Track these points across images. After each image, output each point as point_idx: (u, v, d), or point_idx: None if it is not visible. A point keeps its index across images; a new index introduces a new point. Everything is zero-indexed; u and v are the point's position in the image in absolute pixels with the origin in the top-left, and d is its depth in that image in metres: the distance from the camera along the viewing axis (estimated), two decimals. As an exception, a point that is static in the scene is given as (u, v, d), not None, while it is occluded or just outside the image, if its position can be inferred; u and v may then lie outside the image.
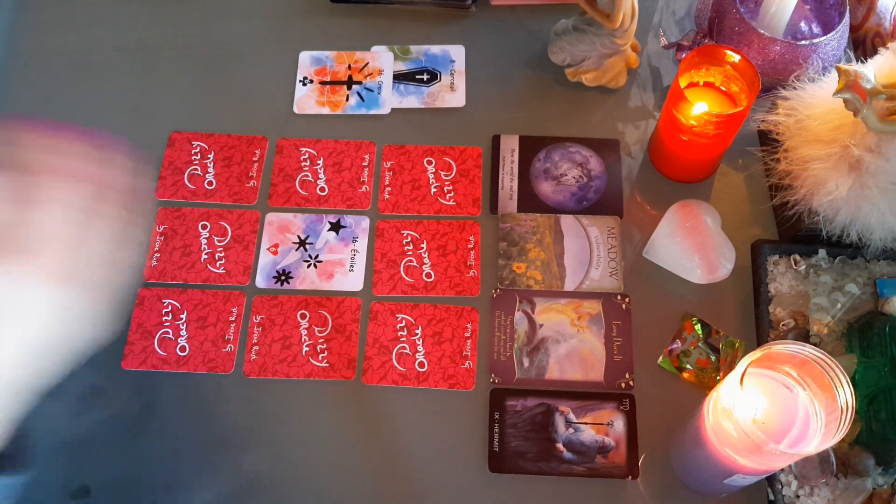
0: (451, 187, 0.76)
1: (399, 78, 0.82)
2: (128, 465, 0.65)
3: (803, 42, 0.72)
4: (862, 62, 0.60)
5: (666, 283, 0.70)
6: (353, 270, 0.72)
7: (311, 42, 0.84)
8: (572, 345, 0.68)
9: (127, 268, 0.49)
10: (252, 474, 0.64)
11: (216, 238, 0.74)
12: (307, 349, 0.69)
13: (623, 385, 0.67)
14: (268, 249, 0.73)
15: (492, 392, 0.67)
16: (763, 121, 0.69)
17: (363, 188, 0.76)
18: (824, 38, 0.72)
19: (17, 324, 0.45)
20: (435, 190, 0.76)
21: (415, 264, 0.72)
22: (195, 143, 0.78)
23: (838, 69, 0.58)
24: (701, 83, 0.71)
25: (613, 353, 0.68)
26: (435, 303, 0.71)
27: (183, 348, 0.69)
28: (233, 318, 0.70)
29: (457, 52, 0.83)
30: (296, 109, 0.80)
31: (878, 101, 0.57)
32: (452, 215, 0.74)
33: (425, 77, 0.82)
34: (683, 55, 0.76)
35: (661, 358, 0.68)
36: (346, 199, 0.75)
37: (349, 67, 0.82)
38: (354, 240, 0.74)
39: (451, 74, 0.82)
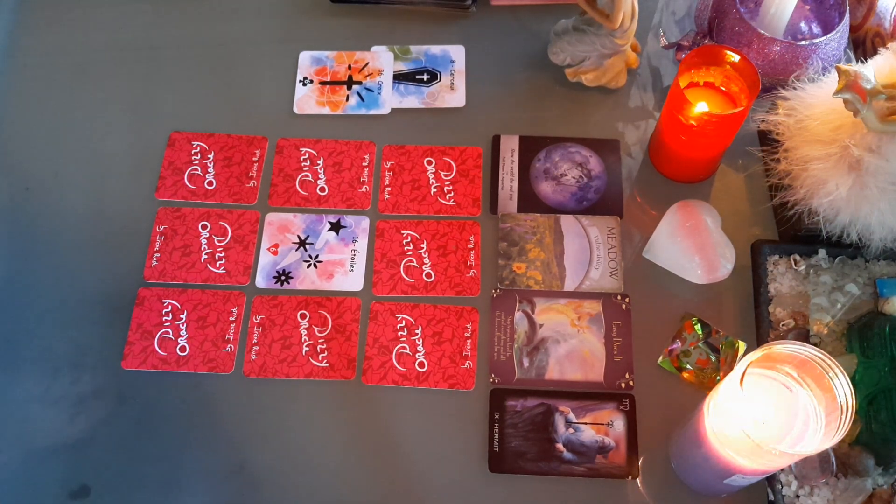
0: (451, 187, 0.76)
1: (399, 78, 0.82)
2: (128, 465, 0.65)
3: (803, 42, 0.72)
4: (862, 62, 0.60)
5: (666, 283, 0.70)
6: (353, 270, 0.72)
7: (311, 42, 0.84)
8: (572, 345, 0.68)
9: None
10: (252, 474, 0.64)
11: (216, 238, 0.74)
12: (307, 349, 0.69)
13: (623, 385, 0.67)
14: (268, 249, 0.73)
15: (492, 392, 0.67)
16: (763, 121, 0.69)
17: (363, 188, 0.76)
18: (824, 38, 0.72)
19: None
20: (435, 190, 0.76)
21: (415, 264, 0.72)
22: (195, 143, 0.78)
23: (838, 69, 0.58)
24: (701, 83, 0.71)
25: (613, 353, 0.68)
26: (435, 303, 0.71)
27: (183, 348, 0.69)
28: (233, 318, 0.70)
29: (457, 52, 0.83)
30: (296, 109, 0.80)
31: (878, 101, 0.57)
32: (452, 215, 0.74)
33: (425, 77, 0.82)
34: (683, 55, 0.77)
35: (661, 358, 0.68)
36: (346, 199, 0.75)
37: (349, 67, 0.82)
38: (354, 240, 0.74)
39: (451, 74, 0.82)
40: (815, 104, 0.65)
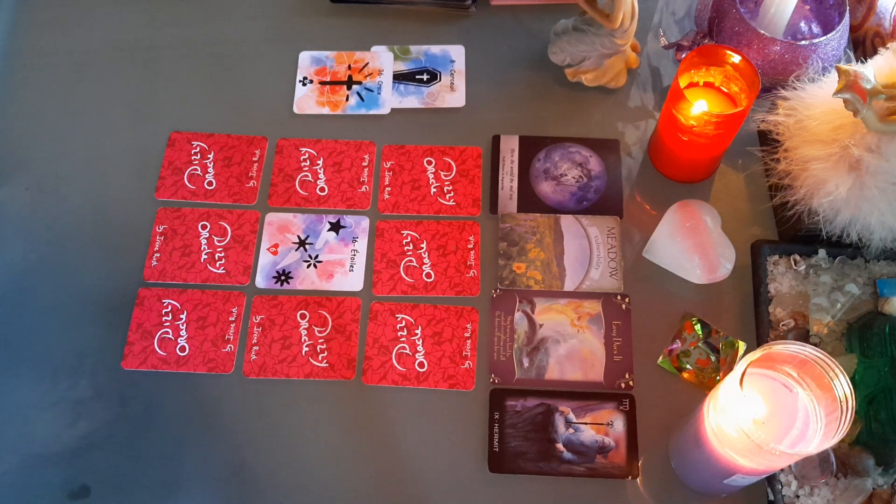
0: (451, 187, 0.76)
1: (399, 78, 0.82)
2: (128, 465, 0.65)
3: (803, 42, 0.72)
4: (862, 62, 0.60)
5: (666, 283, 0.70)
6: (353, 270, 0.72)
7: (311, 42, 0.84)
8: (572, 345, 0.68)
9: None
10: (252, 474, 0.64)
11: (216, 238, 0.74)
12: (307, 349, 0.69)
13: (623, 385, 0.67)
14: (268, 249, 0.73)
15: (492, 392, 0.67)
16: (763, 121, 0.69)
17: (363, 188, 0.76)
18: (824, 38, 0.72)
19: None
20: (435, 190, 0.76)
21: (415, 264, 0.72)
22: (195, 143, 0.78)
23: (838, 69, 0.58)
24: (701, 83, 0.71)
25: (613, 353, 0.68)
26: (435, 303, 0.71)
27: (183, 348, 0.69)
28: (233, 318, 0.70)
29: (457, 52, 0.83)
30: (296, 109, 0.80)
31: (878, 101, 0.57)
32: (452, 215, 0.74)
33: (425, 77, 0.82)
34: (683, 55, 0.76)
35: (661, 358, 0.68)
36: (346, 199, 0.75)
37: (349, 67, 0.82)
38: (354, 240, 0.74)
39: (451, 74, 0.82)
40: (815, 104, 0.65)
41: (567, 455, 0.64)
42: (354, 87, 0.81)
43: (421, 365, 0.68)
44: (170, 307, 0.71)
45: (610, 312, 0.69)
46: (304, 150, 0.78)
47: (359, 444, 0.65)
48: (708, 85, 0.71)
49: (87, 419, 0.67)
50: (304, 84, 0.82)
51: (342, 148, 0.78)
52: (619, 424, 0.65)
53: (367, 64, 0.83)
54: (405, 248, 0.73)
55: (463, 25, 0.85)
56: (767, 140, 0.71)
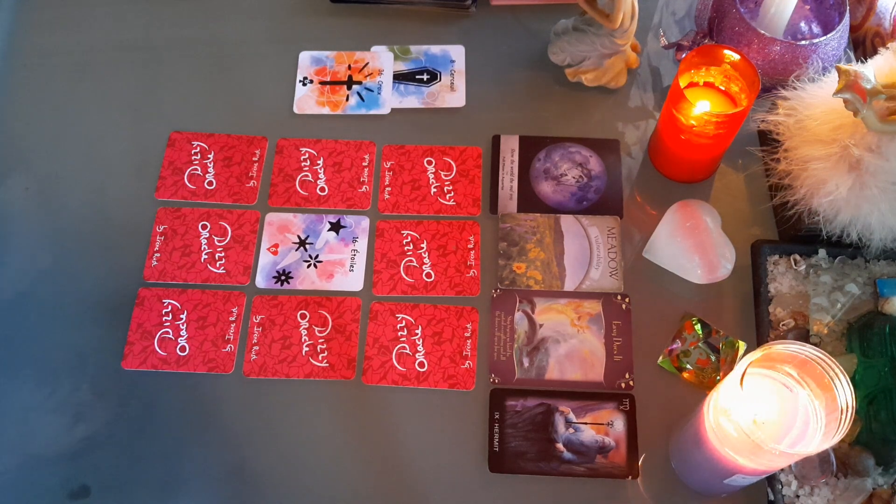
0: (451, 187, 0.76)
1: (399, 78, 0.82)
2: (128, 465, 0.65)
3: (803, 42, 0.72)
4: (862, 62, 0.60)
5: (666, 283, 0.70)
6: (353, 270, 0.72)
7: (311, 42, 0.84)
8: (572, 345, 0.68)
9: None
10: (252, 474, 0.64)
11: (216, 238, 0.74)
12: (307, 349, 0.69)
13: (623, 385, 0.67)
14: (268, 249, 0.73)
15: (492, 392, 0.67)
16: (763, 121, 0.69)
17: (363, 188, 0.76)
18: (824, 38, 0.72)
19: None
20: (435, 190, 0.76)
21: (415, 264, 0.72)
22: (195, 143, 0.78)
23: (838, 69, 0.58)
24: (701, 83, 0.71)
25: (613, 353, 0.68)
26: (435, 303, 0.71)
27: (183, 348, 0.69)
28: (233, 318, 0.70)
29: (457, 52, 0.83)
30: (296, 109, 0.80)
31: (878, 101, 0.57)
32: (452, 215, 0.74)
33: (425, 77, 0.82)
34: (683, 55, 0.77)
35: (661, 358, 0.68)
36: (346, 199, 0.75)
37: (349, 67, 0.82)
38: (354, 240, 0.74)
39: (451, 74, 0.82)
40: (815, 104, 0.65)
41: (567, 455, 0.64)
42: (354, 87, 0.81)
43: (421, 365, 0.68)
44: (170, 307, 0.71)
45: (610, 312, 0.69)
46: (304, 150, 0.78)
47: (359, 444, 0.65)
48: (708, 85, 0.71)
49: (86, 419, 0.67)
50: (304, 84, 0.82)
51: (342, 148, 0.78)
52: (619, 424, 0.65)
53: (367, 64, 0.83)
54: (405, 248, 0.73)
55: (463, 25, 0.85)
56: (767, 140, 0.71)
